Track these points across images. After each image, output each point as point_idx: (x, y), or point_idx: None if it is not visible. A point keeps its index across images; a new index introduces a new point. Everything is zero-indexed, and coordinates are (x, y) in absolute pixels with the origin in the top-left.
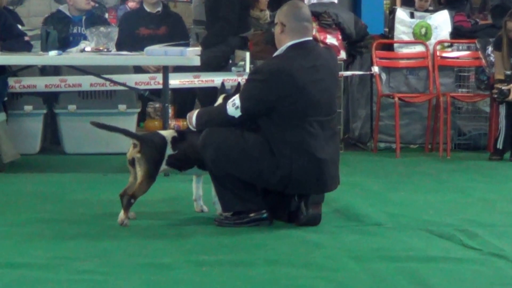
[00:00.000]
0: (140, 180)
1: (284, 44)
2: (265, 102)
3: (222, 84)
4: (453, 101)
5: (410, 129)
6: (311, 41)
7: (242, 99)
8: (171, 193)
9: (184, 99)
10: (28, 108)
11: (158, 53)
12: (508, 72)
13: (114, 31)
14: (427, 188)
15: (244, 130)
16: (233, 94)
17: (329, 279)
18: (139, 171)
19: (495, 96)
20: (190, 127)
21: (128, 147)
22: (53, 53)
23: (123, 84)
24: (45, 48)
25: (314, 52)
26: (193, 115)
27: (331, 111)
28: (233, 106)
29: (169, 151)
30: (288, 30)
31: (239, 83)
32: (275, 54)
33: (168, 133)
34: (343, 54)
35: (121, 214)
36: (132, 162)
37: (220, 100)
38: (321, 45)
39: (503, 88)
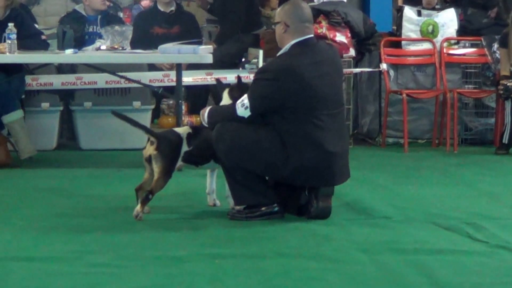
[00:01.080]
0: (157, 177)
1: (287, 43)
2: (274, 100)
3: (218, 80)
4: (460, 97)
5: (418, 124)
6: (313, 38)
7: (251, 99)
8: (184, 187)
9: (197, 96)
10: (45, 105)
11: (172, 51)
12: (489, 74)
13: (128, 30)
14: (435, 182)
15: (255, 124)
16: (237, 87)
17: (339, 271)
18: (156, 168)
19: (501, 92)
20: (203, 123)
21: (143, 143)
22: (69, 51)
23: (138, 82)
24: (62, 47)
25: (317, 48)
26: (206, 111)
27: (338, 104)
28: (243, 107)
29: (184, 147)
30: (291, 31)
31: (239, 76)
32: (279, 53)
33: (183, 130)
34: (352, 52)
35: (138, 208)
36: (149, 159)
37: (226, 94)
38: (328, 41)
39: (508, 84)
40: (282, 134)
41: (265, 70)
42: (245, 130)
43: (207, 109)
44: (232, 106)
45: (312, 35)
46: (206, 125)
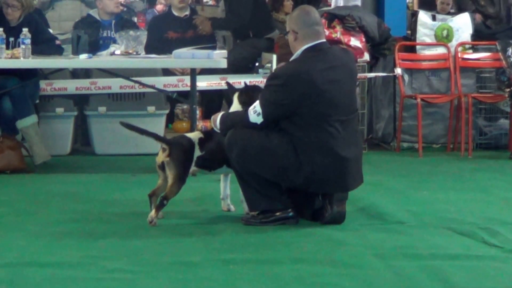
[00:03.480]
0: (171, 183)
1: (298, 49)
2: (286, 106)
3: (228, 83)
4: (474, 101)
5: (433, 129)
6: (325, 43)
7: (263, 105)
8: (198, 193)
9: (212, 101)
10: (59, 110)
11: (186, 56)
12: (504, 78)
13: (143, 35)
14: (449, 187)
15: (268, 130)
16: (245, 91)
17: (353, 276)
18: (170, 175)
19: (508, 98)
20: (215, 129)
21: (157, 148)
22: (83, 56)
23: (152, 87)
24: (76, 52)
25: (329, 53)
26: (218, 118)
27: (351, 110)
28: (255, 113)
29: (197, 152)
30: (301, 37)
31: (245, 82)
32: (292, 58)
33: (194, 135)
34: (366, 56)
35: (152, 213)
36: (162, 166)
37: (235, 99)
38: (343, 46)
39: None
40: (294, 140)
41: (275, 76)
42: (257, 137)
43: (219, 115)
44: (245, 113)
45: (323, 40)
46: (218, 131)
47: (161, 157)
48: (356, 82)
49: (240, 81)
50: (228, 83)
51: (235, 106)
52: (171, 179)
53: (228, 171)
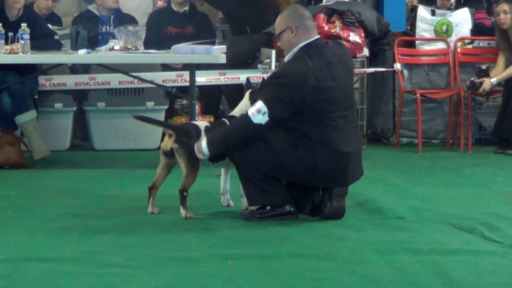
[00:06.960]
0: (186, 172)
1: (295, 46)
2: (292, 104)
3: (248, 80)
4: (474, 96)
5: (432, 124)
6: (320, 39)
7: (269, 105)
8: (197, 188)
9: (211, 96)
10: (58, 105)
11: (185, 51)
12: (483, 67)
13: (142, 30)
14: (449, 182)
15: (268, 125)
16: (259, 89)
17: (353, 271)
18: (182, 163)
19: (466, 88)
20: (202, 157)
21: (156, 143)
22: (82, 51)
23: (151, 82)
24: (75, 47)
25: (327, 50)
26: (201, 144)
27: (350, 105)
28: (259, 113)
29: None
30: (300, 31)
31: (263, 78)
32: (288, 58)
33: (200, 123)
34: (366, 51)
35: (182, 211)
36: (170, 153)
37: (247, 95)
38: (343, 41)
39: (475, 80)
40: (294, 135)
41: (279, 76)
42: (257, 132)
43: (202, 141)
44: (242, 120)
45: (318, 36)
46: (203, 158)
47: (169, 143)
48: (353, 76)
49: (239, 76)
50: (247, 79)
51: (245, 103)
52: (184, 167)
53: (230, 166)
